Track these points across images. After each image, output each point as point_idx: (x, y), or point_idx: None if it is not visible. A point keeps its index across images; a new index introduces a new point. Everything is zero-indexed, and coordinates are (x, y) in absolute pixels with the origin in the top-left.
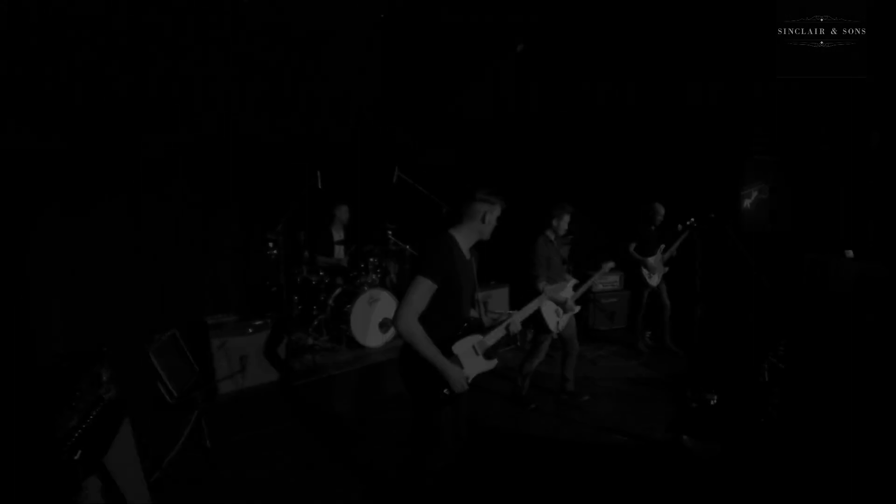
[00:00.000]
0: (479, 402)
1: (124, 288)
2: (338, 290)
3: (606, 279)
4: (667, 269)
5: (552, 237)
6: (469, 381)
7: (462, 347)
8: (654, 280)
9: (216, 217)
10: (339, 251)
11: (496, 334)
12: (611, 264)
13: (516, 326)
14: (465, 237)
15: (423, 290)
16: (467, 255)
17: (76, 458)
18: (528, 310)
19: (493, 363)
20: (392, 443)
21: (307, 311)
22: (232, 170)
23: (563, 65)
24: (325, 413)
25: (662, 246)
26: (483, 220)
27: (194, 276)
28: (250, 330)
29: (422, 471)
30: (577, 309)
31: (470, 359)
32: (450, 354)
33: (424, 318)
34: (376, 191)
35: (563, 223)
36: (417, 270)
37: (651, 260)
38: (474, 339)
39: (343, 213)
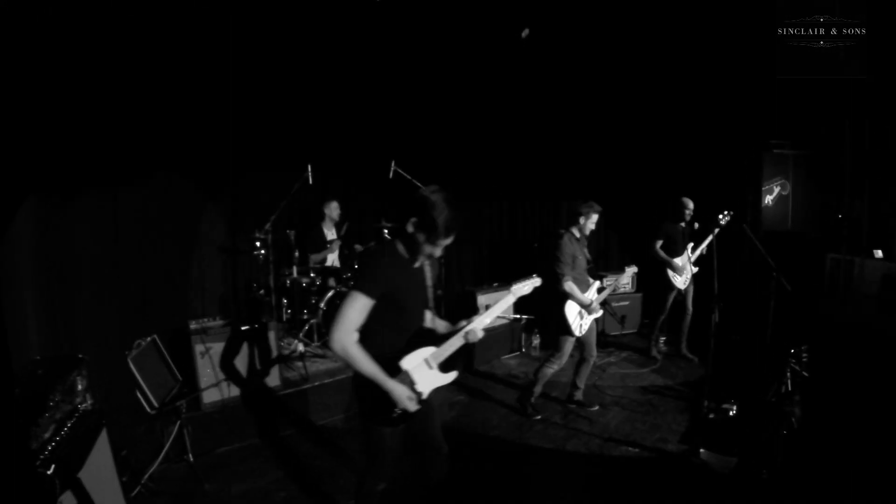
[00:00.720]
0: (482, 411)
1: (103, 289)
2: (330, 293)
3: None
4: (696, 269)
5: (577, 235)
6: (423, 397)
7: (412, 362)
8: (681, 282)
9: (201, 216)
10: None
11: (452, 345)
12: (634, 269)
13: (475, 335)
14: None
15: (357, 307)
16: (416, 262)
17: (50, 472)
18: (493, 313)
19: (451, 376)
20: None
21: (297, 315)
22: (231, 168)
23: (572, 58)
24: (315, 424)
25: (691, 245)
26: (410, 230)
27: (178, 278)
28: None
29: (363, 491)
30: (601, 312)
31: (423, 373)
32: (398, 371)
33: (366, 334)
34: (371, 186)
35: (590, 222)
36: (352, 284)
37: (678, 260)
38: (426, 351)
39: (333, 209)
